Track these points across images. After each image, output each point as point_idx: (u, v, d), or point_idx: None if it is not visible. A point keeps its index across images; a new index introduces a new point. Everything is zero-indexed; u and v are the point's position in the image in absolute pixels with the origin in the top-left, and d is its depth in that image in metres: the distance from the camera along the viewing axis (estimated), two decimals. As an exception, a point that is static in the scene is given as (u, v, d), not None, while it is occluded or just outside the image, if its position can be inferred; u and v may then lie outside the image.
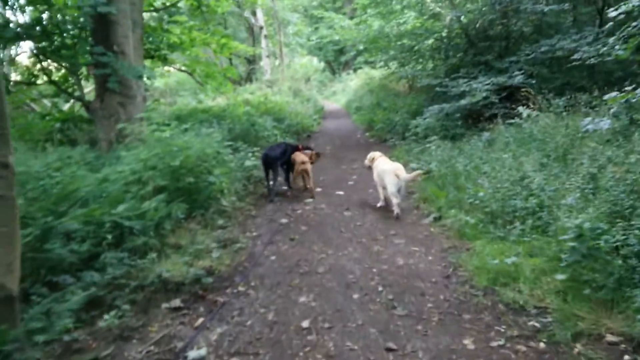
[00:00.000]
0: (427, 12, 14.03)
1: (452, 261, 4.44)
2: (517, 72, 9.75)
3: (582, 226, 3.58)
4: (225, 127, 9.91)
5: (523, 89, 9.02)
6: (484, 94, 9.30)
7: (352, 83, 23.34)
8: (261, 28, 18.59)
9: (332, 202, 6.81)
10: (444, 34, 12.90)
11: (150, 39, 11.29)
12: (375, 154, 7.04)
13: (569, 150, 6.54)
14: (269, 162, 6.96)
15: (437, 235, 5.23)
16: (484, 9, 11.40)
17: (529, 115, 8.69)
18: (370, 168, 7.08)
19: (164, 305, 3.79)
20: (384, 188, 6.35)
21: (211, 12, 13.79)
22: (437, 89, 10.35)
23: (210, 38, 12.81)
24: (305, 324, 3.45)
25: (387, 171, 6.23)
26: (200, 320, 3.58)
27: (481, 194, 5.38)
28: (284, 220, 5.97)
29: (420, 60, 13.69)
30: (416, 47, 13.34)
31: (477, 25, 12.19)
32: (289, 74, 21.22)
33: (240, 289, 4.08)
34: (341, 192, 7.31)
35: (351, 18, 18.45)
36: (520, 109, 8.98)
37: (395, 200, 6.07)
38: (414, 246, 4.94)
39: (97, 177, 5.26)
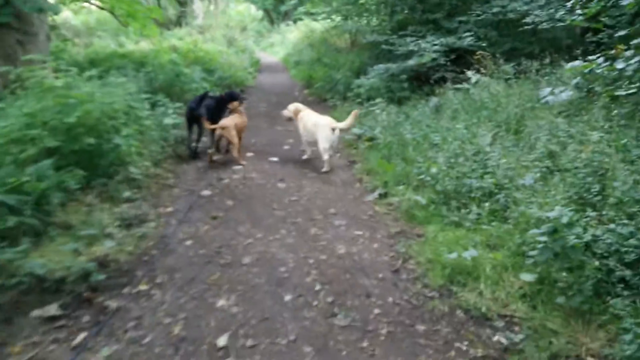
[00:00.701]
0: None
1: (401, 251, 3.81)
2: (467, 34, 9.18)
3: (558, 220, 3.03)
4: (144, 76, 8.64)
5: (477, 52, 8.46)
6: (433, 55, 8.66)
7: (292, 35, 22.02)
8: (193, -34, 16.73)
9: (265, 170, 5.98)
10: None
11: (57, -35, 9.57)
12: (299, 106, 6.75)
13: (522, 122, 6.10)
14: (193, 117, 6.16)
15: (382, 215, 4.58)
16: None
17: (477, 81, 8.21)
18: (290, 120, 6.80)
19: (35, 312, 2.88)
20: (313, 142, 6.17)
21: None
22: (383, 46, 9.57)
23: (131, -29, 11.12)
24: (221, 341, 2.70)
25: (322, 125, 6.03)
26: (82, 335, 2.71)
27: (433, 169, 4.77)
28: (206, 192, 5.08)
29: (365, 14, 12.79)
30: (361, 0, 12.41)
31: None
32: (224, 21, 19.55)
33: (142, 287, 3.22)
34: (275, 159, 6.48)
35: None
36: (469, 73, 8.47)
37: (326, 157, 5.97)
38: (357, 229, 4.27)
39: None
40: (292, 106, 6.81)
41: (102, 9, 12.49)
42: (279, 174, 5.81)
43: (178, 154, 6.21)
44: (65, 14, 19.95)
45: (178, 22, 20.35)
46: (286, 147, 7.15)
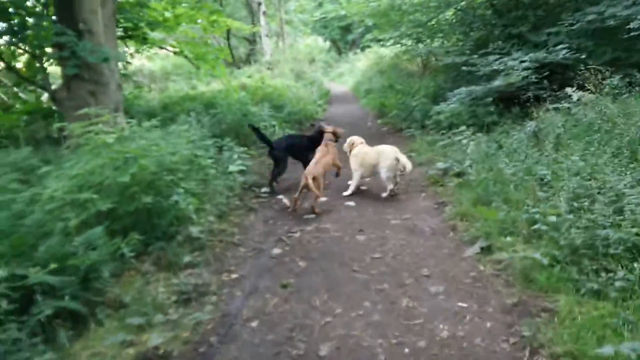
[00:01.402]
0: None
1: (526, 334, 2.89)
2: (560, 46, 8.06)
3: None
4: (211, 119, 8.37)
5: (581, 69, 7.36)
6: (523, 73, 7.63)
7: (360, 63, 21.56)
8: (259, 4, 16.86)
9: (341, 218, 5.26)
10: (463, 4, 11.15)
11: (126, 15, 9.72)
12: (355, 139, 6.44)
13: (652, 146, 4.96)
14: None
15: (490, 278, 3.67)
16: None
17: (579, 99, 7.09)
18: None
19: None
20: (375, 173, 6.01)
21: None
22: (463, 68, 8.66)
23: (198, 14, 11.16)
24: None
25: (386, 153, 5.86)
26: None
27: (552, 217, 3.81)
28: (275, 251, 4.44)
29: (440, 35, 11.95)
30: (433, 21, 11.61)
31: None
32: (292, 54, 19.51)
33: (196, 395, 2.58)
34: (351, 203, 5.75)
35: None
36: (569, 90, 7.36)
37: (390, 186, 5.90)
38: (460, 299, 3.40)
39: (21, 197, 3.79)
40: (350, 139, 6.48)
41: (175, 53, 12.65)
42: (357, 223, 5.07)
43: (245, 204, 5.67)
44: (142, 61, 20.94)
45: (248, 60, 20.61)
46: (363, 186, 6.41)
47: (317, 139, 6.40)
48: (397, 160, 5.72)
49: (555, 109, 7.34)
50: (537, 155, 5.56)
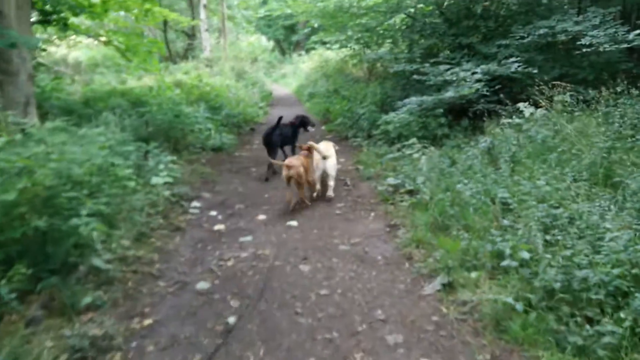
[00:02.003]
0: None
1: (507, 408, 2.37)
2: (512, 59, 7.86)
3: None
4: (136, 119, 7.44)
5: (530, 83, 7.17)
6: (476, 85, 7.32)
7: (305, 65, 21.00)
8: (199, -4, 15.83)
9: (282, 241, 4.59)
10: (412, 10, 10.86)
11: (41, -3, 8.57)
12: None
13: (612, 169, 4.70)
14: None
15: (455, 323, 3.14)
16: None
17: (531, 114, 6.87)
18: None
19: None
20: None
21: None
22: (415, 76, 8.27)
23: (130, 1, 10.09)
24: None
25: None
26: None
27: (524, 252, 3.35)
28: (203, 285, 3.69)
29: (389, 40, 11.59)
30: (383, 26, 11.23)
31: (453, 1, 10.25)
32: (233, 52, 18.59)
33: None
34: (294, 222, 5.10)
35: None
36: (521, 105, 7.13)
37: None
38: (422, 353, 2.84)
39: None
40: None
41: (104, 43, 11.43)
42: (300, 248, 4.42)
43: (171, 222, 4.86)
44: (69, 50, 19.22)
45: (186, 55, 19.46)
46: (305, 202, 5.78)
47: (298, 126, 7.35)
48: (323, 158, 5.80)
49: (507, 124, 7.09)
50: (495, 175, 5.18)
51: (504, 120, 6.98)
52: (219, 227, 4.90)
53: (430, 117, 7.93)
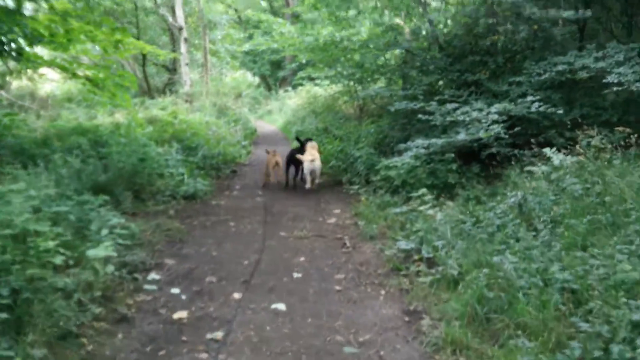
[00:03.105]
0: (385, 23, 11.18)
1: None
2: (530, 98, 6.91)
3: None
4: (92, 164, 6.25)
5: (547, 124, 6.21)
6: (494, 128, 6.30)
7: (292, 101, 20.09)
8: (180, 29, 14.90)
9: (264, 339, 3.34)
10: (413, 45, 10.02)
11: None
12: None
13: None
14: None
15: None
16: (469, 16, 8.60)
17: (561, 161, 5.85)
18: None
19: None
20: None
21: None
22: (420, 116, 7.23)
23: (97, 30, 9.01)
24: None
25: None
26: None
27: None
28: None
29: (387, 76, 10.68)
30: (378, 61, 10.35)
31: (456, 35, 9.43)
32: (216, 87, 17.60)
33: None
34: (281, 305, 3.86)
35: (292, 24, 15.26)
36: (547, 150, 6.12)
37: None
38: None
39: None
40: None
41: (73, 75, 10.27)
42: (290, 350, 3.18)
43: (114, 308, 3.59)
44: (40, 84, 18.05)
45: (164, 89, 18.42)
46: (297, 274, 4.55)
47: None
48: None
49: (535, 172, 6.06)
50: (537, 242, 4.06)
51: (532, 168, 5.94)
52: (181, 314, 3.64)
53: (438, 163, 6.86)
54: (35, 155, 7.40)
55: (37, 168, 6.47)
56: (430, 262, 4.41)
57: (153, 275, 4.30)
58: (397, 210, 5.70)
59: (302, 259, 4.94)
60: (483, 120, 6.56)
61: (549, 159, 5.99)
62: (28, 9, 8.51)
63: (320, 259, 4.93)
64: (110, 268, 3.65)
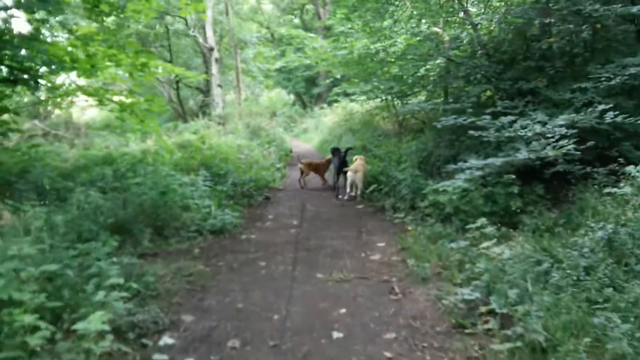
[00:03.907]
0: (422, 32, 10.40)
1: None
2: (601, 107, 5.91)
3: None
4: (110, 200, 5.72)
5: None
6: (566, 144, 5.35)
7: (327, 119, 19.45)
8: (211, 50, 14.58)
9: None
10: (454, 53, 9.17)
11: (13, 52, 7.22)
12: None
13: None
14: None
15: None
16: (523, 14, 7.67)
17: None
18: None
19: None
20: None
21: (133, 16, 9.72)
22: (471, 132, 6.34)
23: (120, 54, 8.64)
24: None
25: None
26: None
27: None
28: None
29: (428, 88, 9.85)
30: (418, 72, 9.54)
31: (505, 39, 8.51)
32: (248, 107, 17.18)
33: None
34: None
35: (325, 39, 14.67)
36: (632, 168, 5.16)
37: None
38: None
39: None
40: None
41: (100, 103, 9.97)
42: None
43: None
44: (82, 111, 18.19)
45: (199, 112, 18.15)
46: (336, 332, 3.77)
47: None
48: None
49: (610, 194, 5.10)
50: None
51: (613, 190, 4.97)
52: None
53: (496, 185, 5.96)
54: (58, 189, 7.03)
55: (55, 205, 6.06)
56: (504, 318, 3.53)
57: (166, 339, 3.61)
58: (453, 245, 4.83)
59: (342, 310, 4.15)
60: (549, 135, 5.62)
61: (633, 177, 5.03)
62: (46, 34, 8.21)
63: (365, 311, 4.12)
64: (107, 341, 2.97)
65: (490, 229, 4.92)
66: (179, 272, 4.94)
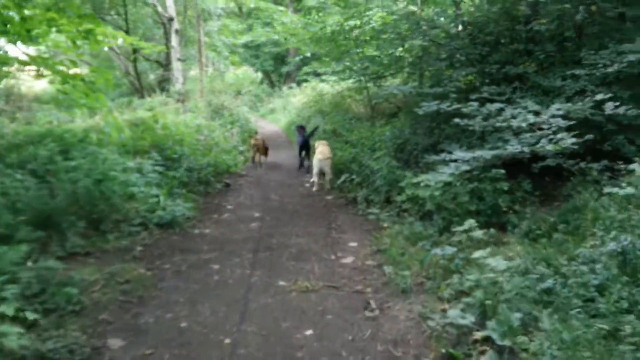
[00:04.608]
0: (398, 11, 9.69)
1: None
2: (600, 96, 5.34)
3: None
4: (35, 188, 4.80)
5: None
6: (565, 137, 4.73)
7: (296, 99, 18.55)
8: (171, 20, 13.39)
9: None
10: (437, 32, 8.46)
11: None
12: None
13: None
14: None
15: None
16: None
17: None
18: None
19: None
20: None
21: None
22: (456, 120, 5.65)
23: (61, 18, 7.52)
24: None
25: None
26: None
27: None
28: None
29: (406, 70, 9.14)
30: (398, 51, 8.81)
31: (490, 19, 7.87)
32: (212, 84, 16.10)
33: None
34: None
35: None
36: (637, 166, 4.64)
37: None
38: None
39: None
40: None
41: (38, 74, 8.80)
42: None
43: None
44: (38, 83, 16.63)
45: (160, 88, 16.92)
46: (299, 354, 3.07)
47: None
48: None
49: (610, 194, 4.57)
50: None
51: (613, 190, 4.41)
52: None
53: (484, 181, 5.34)
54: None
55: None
56: (505, 351, 2.90)
57: None
58: (438, 251, 4.16)
59: (308, 332, 3.43)
60: (544, 126, 5.01)
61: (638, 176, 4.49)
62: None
63: (336, 332, 3.42)
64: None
65: (478, 233, 4.29)
66: (112, 278, 4.12)
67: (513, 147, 5.06)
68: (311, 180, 8.03)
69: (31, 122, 10.94)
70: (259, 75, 27.44)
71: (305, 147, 9.44)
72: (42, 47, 10.83)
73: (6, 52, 8.87)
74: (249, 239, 5.48)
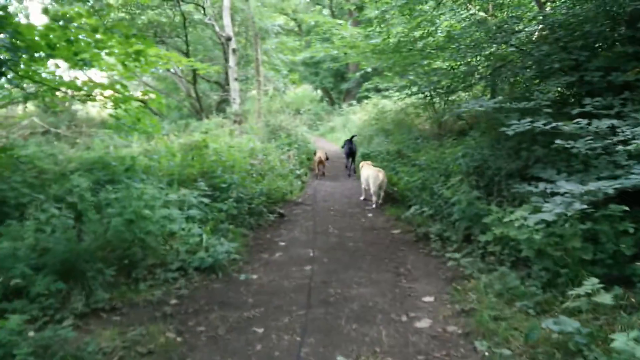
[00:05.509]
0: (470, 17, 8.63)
1: None
2: None
3: None
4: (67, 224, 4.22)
5: None
6: None
7: (356, 117, 17.70)
8: (229, 40, 13.03)
9: None
10: (520, 37, 7.32)
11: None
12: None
13: None
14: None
15: None
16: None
17: None
18: None
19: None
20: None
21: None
22: (558, 142, 4.51)
23: (108, 39, 7.15)
24: None
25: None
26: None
27: None
28: None
29: (483, 84, 8.04)
30: (475, 61, 7.74)
31: (585, 17, 6.63)
32: (274, 104, 15.60)
33: None
34: None
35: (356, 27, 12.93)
36: None
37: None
38: None
39: None
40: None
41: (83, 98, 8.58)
42: None
43: None
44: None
45: (217, 109, 16.69)
46: None
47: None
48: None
49: None
50: None
51: None
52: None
53: (601, 221, 4.15)
54: (25, 204, 5.58)
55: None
56: None
57: None
58: (552, 325, 3.07)
59: None
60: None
61: None
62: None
63: None
64: None
65: (606, 297, 3.16)
66: (134, 346, 3.37)
67: (636, 176, 3.87)
68: (370, 199, 8.19)
69: (90, 148, 10.84)
70: (319, 93, 26.92)
71: (352, 154, 11.12)
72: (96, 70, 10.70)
73: (60, 77, 8.66)
74: (301, 287, 4.61)
